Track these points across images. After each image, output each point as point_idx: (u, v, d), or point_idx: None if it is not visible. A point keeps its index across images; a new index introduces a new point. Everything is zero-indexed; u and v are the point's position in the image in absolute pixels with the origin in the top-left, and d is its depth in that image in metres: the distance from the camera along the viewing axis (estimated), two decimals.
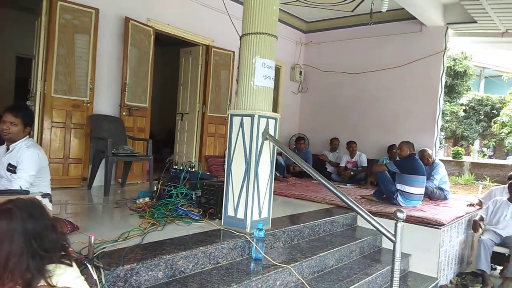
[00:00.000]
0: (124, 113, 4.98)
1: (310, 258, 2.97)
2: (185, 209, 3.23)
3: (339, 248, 3.33)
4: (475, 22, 5.98)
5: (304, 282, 2.71)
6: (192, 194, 3.44)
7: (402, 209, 2.34)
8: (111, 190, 4.27)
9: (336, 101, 7.59)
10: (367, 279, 3.07)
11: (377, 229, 2.38)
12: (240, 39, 3.18)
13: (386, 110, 6.93)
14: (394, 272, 2.27)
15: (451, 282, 4.11)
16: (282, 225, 3.29)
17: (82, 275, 1.44)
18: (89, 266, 1.87)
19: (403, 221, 2.29)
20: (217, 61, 6.18)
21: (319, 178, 2.82)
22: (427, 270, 3.80)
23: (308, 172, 2.93)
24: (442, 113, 15.98)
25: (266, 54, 3.07)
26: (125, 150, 4.43)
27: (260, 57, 3.03)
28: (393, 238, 2.28)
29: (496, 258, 4.54)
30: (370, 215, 2.48)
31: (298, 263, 2.84)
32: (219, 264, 2.62)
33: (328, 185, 2.74)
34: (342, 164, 6.90)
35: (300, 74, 7.88)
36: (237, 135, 3.06)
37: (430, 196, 5.18)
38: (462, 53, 16.03)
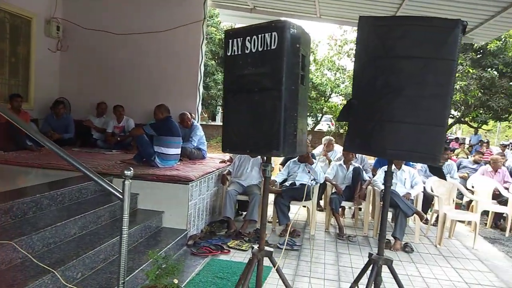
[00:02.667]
0: None
1: (43, 230, 2.71)
2: None
3: (83, 215, 3.17)
4: None
5: (31, 256, 2.45)
6: None
7: (131, 167, 2.34)
8: None
9: (103, 62, 7.08)
10: (111, 241, 3.04)
11: (105, 188, 2.33)
12: None
13: (153, 75, 6.93)
14: (123, 229, 2.28)
15: (202, 231, 4.56)
16: (11, 199, 2.86)
17: None
18: None
19: (131, 179, 2.31)
20: None
21: (47, 143, 2.55)
22: (178, 224, 4.08)
23: (35, 138, 2.60)
24: (216, 83, 17.45)
25: None
26: None
27: None
28: (120, 196, 2.28)
29: (241, 206, 5.33)
30: (99, 176, 2.39)
31: (25, 236, 2.54)
32: None
33: (57, 150, 2.50)
34: (109, 130, 6.60)
35: (58, 29, 6.94)
36: None
37: (190, 156, 5.57)
38: (231, 27, 17.69)
